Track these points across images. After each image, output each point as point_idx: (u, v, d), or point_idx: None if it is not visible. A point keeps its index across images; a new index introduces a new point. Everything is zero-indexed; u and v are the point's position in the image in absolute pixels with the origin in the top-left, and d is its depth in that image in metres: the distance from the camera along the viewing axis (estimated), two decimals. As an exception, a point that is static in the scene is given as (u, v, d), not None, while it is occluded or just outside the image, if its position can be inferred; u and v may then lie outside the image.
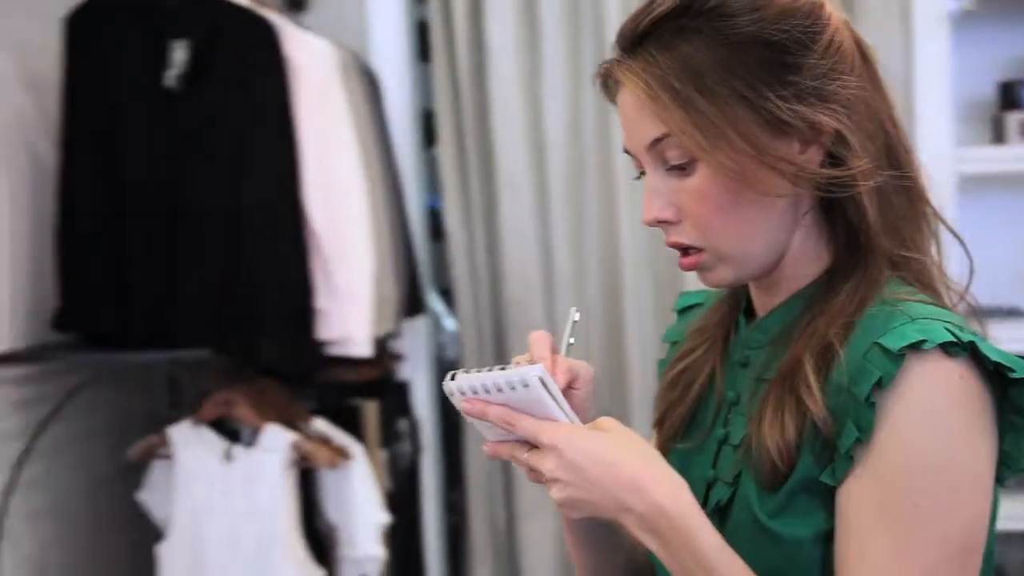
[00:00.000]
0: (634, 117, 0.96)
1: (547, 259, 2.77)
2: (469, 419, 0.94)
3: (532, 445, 0.91)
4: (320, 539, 2.30)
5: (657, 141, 0.94)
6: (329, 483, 2.29)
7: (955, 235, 1.00)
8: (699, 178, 0.93)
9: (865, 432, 0.87)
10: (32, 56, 2.21)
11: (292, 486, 2.18)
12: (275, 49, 2.09)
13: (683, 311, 1.18)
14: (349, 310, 2.27)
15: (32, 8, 2.22)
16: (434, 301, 3.14)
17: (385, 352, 2.68)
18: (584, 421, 0.95)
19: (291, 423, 2.24)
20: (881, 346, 0.87)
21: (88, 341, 2.21)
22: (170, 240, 2.11)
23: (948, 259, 0.99)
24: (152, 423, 2.34)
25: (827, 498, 0.90)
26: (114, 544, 2.48)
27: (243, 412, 2.21)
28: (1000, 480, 0.92)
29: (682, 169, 0.94)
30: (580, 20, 2.70)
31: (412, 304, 2.70)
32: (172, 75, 2.06)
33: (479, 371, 0.93)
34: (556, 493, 0.91)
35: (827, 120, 0.92)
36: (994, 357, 0.87)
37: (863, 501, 0.88)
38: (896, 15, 2.53)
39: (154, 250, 2.11)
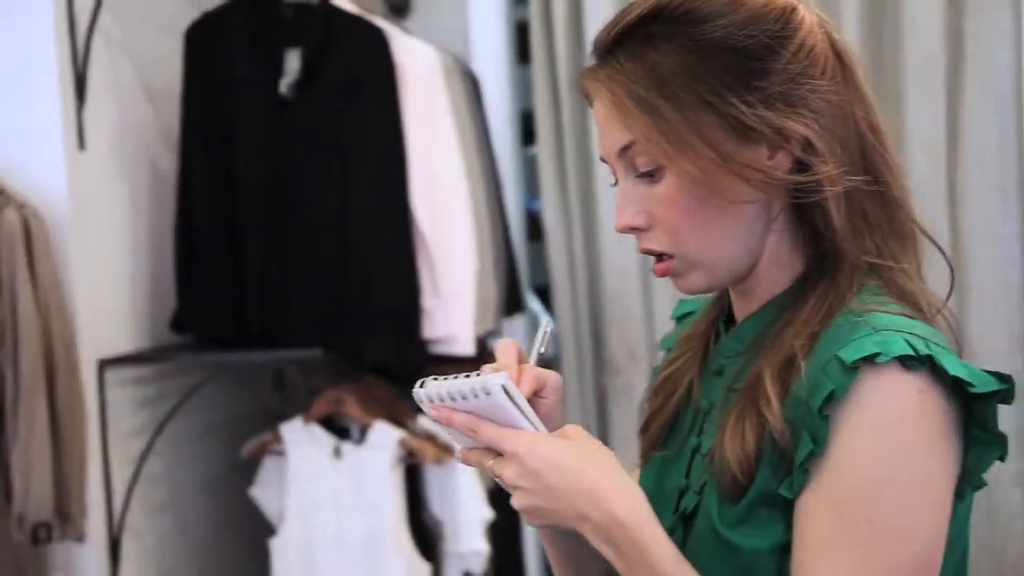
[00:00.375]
0: (604, 125, 0.96)
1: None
2: (440, 427, 0.95)
3: (498, 452, 0.92)
4: (425, 534, 2.35)
5: (625, 148, 0.94)
6: (434, 479, 2.33)
7: (935, 244, 0.98)
8: (667, 185, 0.93)
9: (819, 445, 0.86)
10: (152, 68, 2.29)
11: (399, 482, 2.23)
12: (385, 55, 2.14)
13: (680, 318, 1.17)
14: (453, 309, 2.31)
15: (154, 22, 2.30)
16: (531, 300, 3.17)
17: (485, 351, 2.72)
18: (552, 429, 0.95)
19: (398, 420, 2.29)
20: (838, 358, 0.86)
21: (204, 342, 2.28)
22: (282, 243, 2.17)
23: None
24: (264, 421, 2.41)
25: (786, 510, 0.89)
26: (228, 537, 2.56)
27: (352, 410, 2.26)
28: (960, 495, 0.90)
29: (651, 176, 0.94)
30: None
31: (511, 303, 2.73)
32: (286, 83, 2.12)
33: (447, 379, 0.93)
34: (517, 501, 0.91)
35: (794, 126, 0.91)
36: (953, 371, 0.85)
37: (818, 515, 0.87)
38: (1006, 4, 2.48)
39: (267, 253, 2.18)
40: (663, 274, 0.98)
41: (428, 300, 2.27)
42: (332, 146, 2.16)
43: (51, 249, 1.98)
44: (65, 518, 1.97)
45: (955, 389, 0.86)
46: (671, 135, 0.91)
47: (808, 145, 0.92)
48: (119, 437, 2.17)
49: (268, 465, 2.35)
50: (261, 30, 2.15)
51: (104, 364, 2.11)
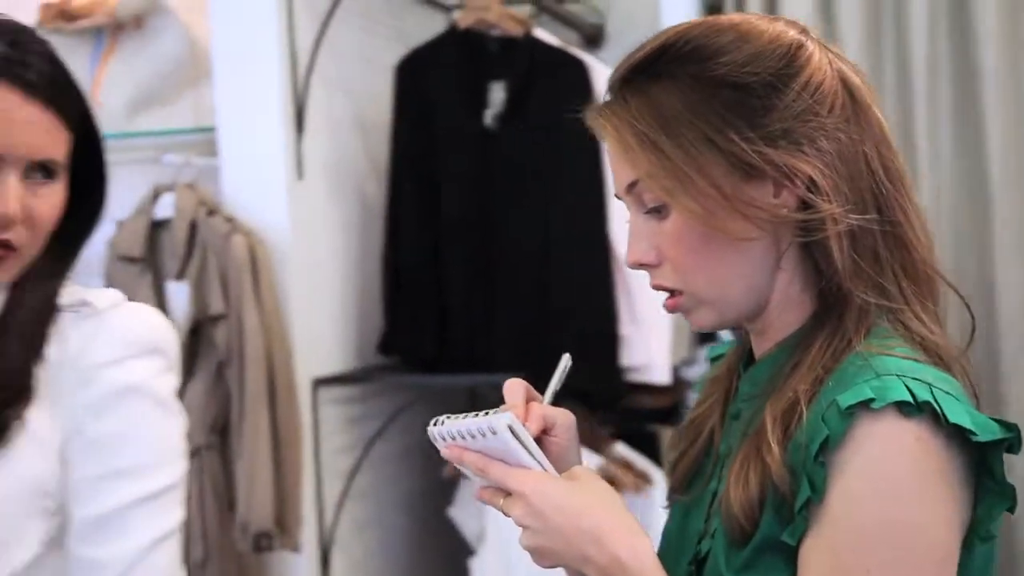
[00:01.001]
0: (613, 162, 0.95)
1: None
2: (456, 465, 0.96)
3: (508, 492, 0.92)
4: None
5: (632, 185, 0.94)
6: (632, 507, 2.33)
7: (951, 287, 0.95)
8: (673, 222, 0.92)
9: (817, 492, 0.84)
10: (363, 102, 2.41)
11: (596, 508, 2.24)
12: (586, 86, 2.18)
13: (714, 360, 1.13)
14: (651, 337, 2.32)
15: (366, 60, 2.42)
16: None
17: (678, 379, 2.71)
18: (567, 466, 0.95)
19: (595, 447, 2.31)
20: (836, 403, 0.84)
21: (409, 364, 2.37)
22: (485, 270, 2.23)
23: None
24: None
25: (790, 557, 0.87)
26: (428, 555, 2.64)
27: (550, 434, 2.29)
28: (967, 546, 0.86)
29: (658, 212, 0.93)
30: (880, 14, 2.56)
31: (703, 332, 2.71)
32: (490, 114, 2.19)
33: (460, 417, 0.94)
34: (524, 540, 0.91)
35: (798, 164, 0.89)
36: (954, 419, 0.82)
37: (818, 564, 0.85)
38: None
39: (470, 279, 2.24)
40: (673, 310, 0.96)
41: (626, 328, 2.28)
42: (534, 176, 2.21)
43: (273, 274, 2.10)
44: (283, 529, 2.07)
45: (963, 438, 0.83)
46: (673, 173, 0.90)
47: (813, 183, 0.90)
48: (330, 453, 2.27)
49: (467, 487, 2.40)
50: (467, 64, 2.23)
51: (318, 383, 2.22)
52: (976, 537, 0.87)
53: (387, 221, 2.34)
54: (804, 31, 0.95)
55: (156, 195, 2.15)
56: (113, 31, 2.28)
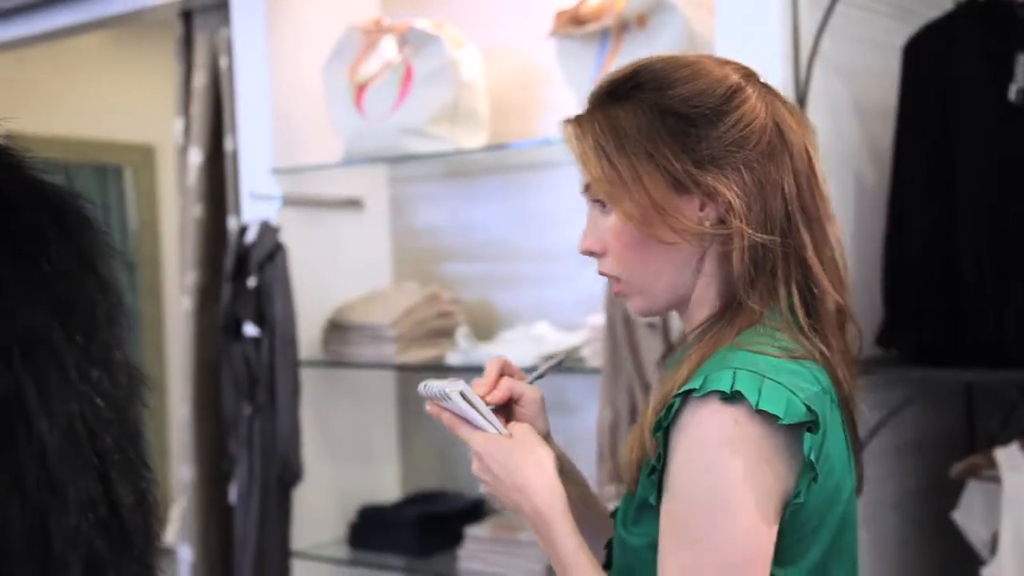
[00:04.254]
0: (579, 164, 1.14)
1: None
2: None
3: None
4: None
5: (588, 186, 1.14)
6: None
7: (847, 310, 1.16)
8: (614, 219, 1.12)
9: (658, 461, 1.04)
10: (862, 84, 2.34)
11: None
12: None
13: None
14: None
15: (867, 41, 2.35)
16: None
17: None
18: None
19: None
20: (675, 391, 1.03)
21: (909, 358, 2.26)
22: (1006, 258, 2.07)
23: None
24: (958, 442, 2.32)
25: (657, 515, 1.06)
26: (924, 559, 2.51)
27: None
28: (784, 513, 1.02)
29: (605, 209, 1.13)
30: None
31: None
32: (1016, 88, 2.03)
33: (442, 381, 1.19)
34: (481, 489, 1.18)
35: (719, 185, 1.08)
36: (763, 406, 0.98)
37: (663, 524, 1.04)
38: None
39: (988, 268, 2.09)
40: (617, 295, 1.17)
41: None
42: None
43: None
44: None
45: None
46: (618, 180, 1.09)
47: (730, 204, 1.07)
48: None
49: (973, 489, 2.25)
50: (990, 36, 2.08)
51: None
52: (793, 502, 1.02)
53: (891, 206, 2.25)
54: (748, 75, 1.13)
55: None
56: (617, 32, 2.40)
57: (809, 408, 1.00)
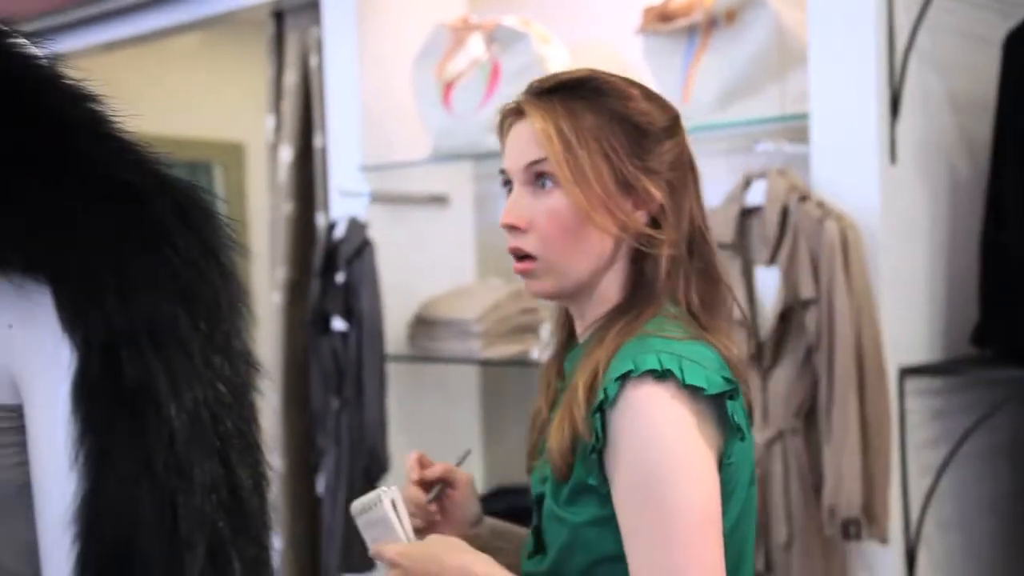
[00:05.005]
0: (525, 142, 1.23)
1: None
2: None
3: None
4: None
5: (534, 163, 1.22)
6: None
7: (741, 309, 1.43)
8: (556, 200, 1.21)
9: (598, 441, 1.12)
10: (960, 79, 2.30)
11: None
12: None
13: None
14: None
15: (967, 35, 2.31)
16: None
17: None
18: (464, 514, 1.41)
19: None
20: (608, 374, 1.13)
21: (1005, 358, 2.22)
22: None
23: None
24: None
25: (595, 494, 1.16)
26: (1016, 560, 2.46)
27: None
28: (720, 470, 1.13)
29: (545, 189, 1.22)
30: None
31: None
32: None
33: (371, 493, 1.30)
34: None
35: (658, 193, 1.22)
36: (690, 380, 1.10)
37: (625, 498, 1.12)
38: None
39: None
40: (521, 272, 1.25)
41: None
42: None
43: (863, 259, 2.07)
44: (871, 518, 2.04)
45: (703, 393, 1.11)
46: (575, 165, 1.19)
47: (662, 211, 1.22)
48: (915, 447, 2.20)
49: (1071, 493, 2.20)
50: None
51: (905, 372, 2.16)
52: (723, 464, 1.14)
53: (988, 203, 2.20)
54: (676, 116, 1.27)
55: (747, 182, 2.22)
56: (706, 27, 2.39)
57: (726, 379, 1.13)
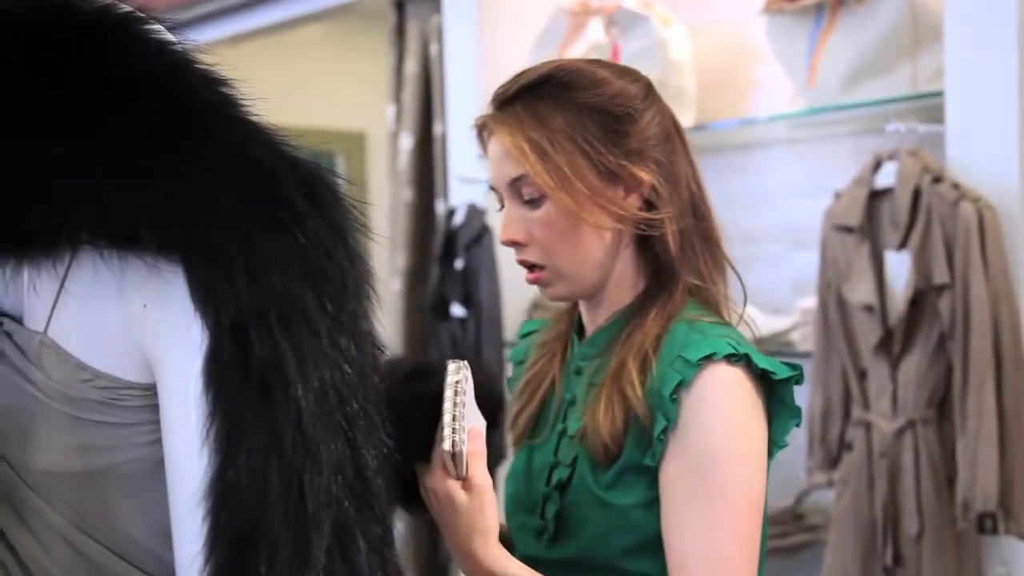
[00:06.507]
0: (500, 159, 1.21)
1: None
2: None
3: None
4: None
5: (516, 180, 1.20)
6: None
7: (735, 272, 1.27)
8: (546, 210, 1.19)
9: (671, 422, 1.12)
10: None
11: None
12: None
13: (525, 335, 1.43)
14: None
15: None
16: None
17: None
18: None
19: None
20: (683, 357, 1.13)
21: None
22: None
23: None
24: None
25: (646, 475, 1.14)
26: None
27: None
28: (770, 454, 1.17)
29: (533, 202, 1.20)
30: None
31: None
32: None
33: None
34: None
35: (645, 175, 1.19)
36: (762, 364, 1.14)
37: (677, 479, 1.12)
38: None
39: None
40: (534, 282, 1.24)
41: None
42: None
43: (1001, 241, 1.99)
44: (1008, 511, 1.96)
45: (762, 377, 1.14)
46: (554, 173, 1.16)
47: (654, 191, 1.20)
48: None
49: None
50: None
51: (1045, 362, 2.06)
52: (775, 447, 1.17)
53: None
54: (648, 83, 1.24)
55: (877, 164, 2.15)
56: (833, 6, 2.32)
57: (792, 365, 1.16)
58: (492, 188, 1.26)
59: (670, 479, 1.12)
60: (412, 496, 1.14)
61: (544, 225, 1.20)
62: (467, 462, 1.09)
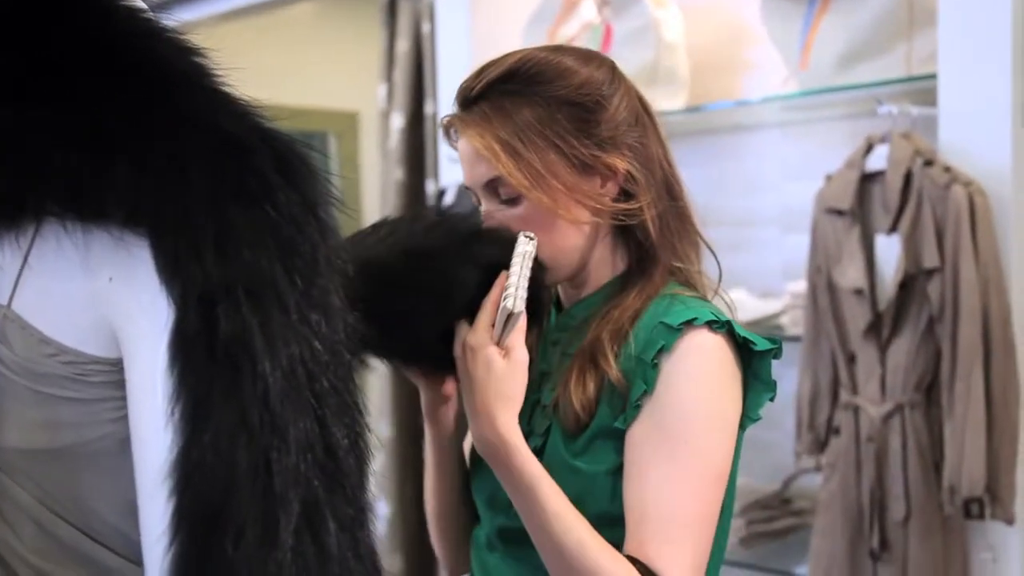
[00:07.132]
0: (472, 161, 1.20)
1: None
2: None
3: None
4: None
5: (491, 181, 1.19)
6: None
7: (710, 249, 1.29)
8: (524, 208, 1.19)
9: (650, 385, 1.13)
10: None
11: None
12: None
13: None
14: None
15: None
16: None
17: None
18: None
19: None
20: (664, 323, 1.14)
21: None
22: None
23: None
24: None
25: (617, 441, 1.15)
26: None
27: None
28: (742, 427, 1.18)
29: (511, 201, 1.20)
30: None
31: None
32: None
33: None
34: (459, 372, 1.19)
35: (619, 163, 1.19)
36: (743, 334, 1.15)
37: (645, 439, 1.12)
38: None
39: None
40: None
41: None
42: None
43: (992, 225, 1.97)
44: (995, 497, 1.95)
45: (741, 348, 1.15)
46: (528, 171, 1.16)
47: (630, 177, 1.20)
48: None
49: None
50: None
51: (1035, 347, 2.05)
52: (748, 419, 1.18)
53: None
54: (612, 65, 1.24)
55: (869, 147, 2.13)
56: (827, -13, 2.30)
57: (771, 339, 1.17)
58: (466, 188, 1.26)
59: (637, 438, 1.13)
60: (425, 353, 1.22)
61: (524, 222, 1.20)
62: (512, 331, 1.15)
